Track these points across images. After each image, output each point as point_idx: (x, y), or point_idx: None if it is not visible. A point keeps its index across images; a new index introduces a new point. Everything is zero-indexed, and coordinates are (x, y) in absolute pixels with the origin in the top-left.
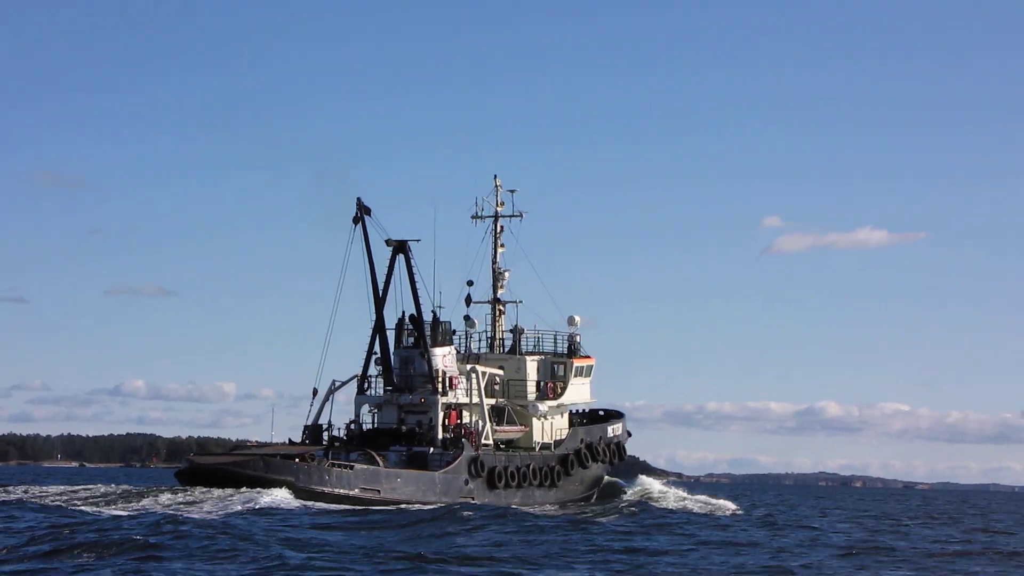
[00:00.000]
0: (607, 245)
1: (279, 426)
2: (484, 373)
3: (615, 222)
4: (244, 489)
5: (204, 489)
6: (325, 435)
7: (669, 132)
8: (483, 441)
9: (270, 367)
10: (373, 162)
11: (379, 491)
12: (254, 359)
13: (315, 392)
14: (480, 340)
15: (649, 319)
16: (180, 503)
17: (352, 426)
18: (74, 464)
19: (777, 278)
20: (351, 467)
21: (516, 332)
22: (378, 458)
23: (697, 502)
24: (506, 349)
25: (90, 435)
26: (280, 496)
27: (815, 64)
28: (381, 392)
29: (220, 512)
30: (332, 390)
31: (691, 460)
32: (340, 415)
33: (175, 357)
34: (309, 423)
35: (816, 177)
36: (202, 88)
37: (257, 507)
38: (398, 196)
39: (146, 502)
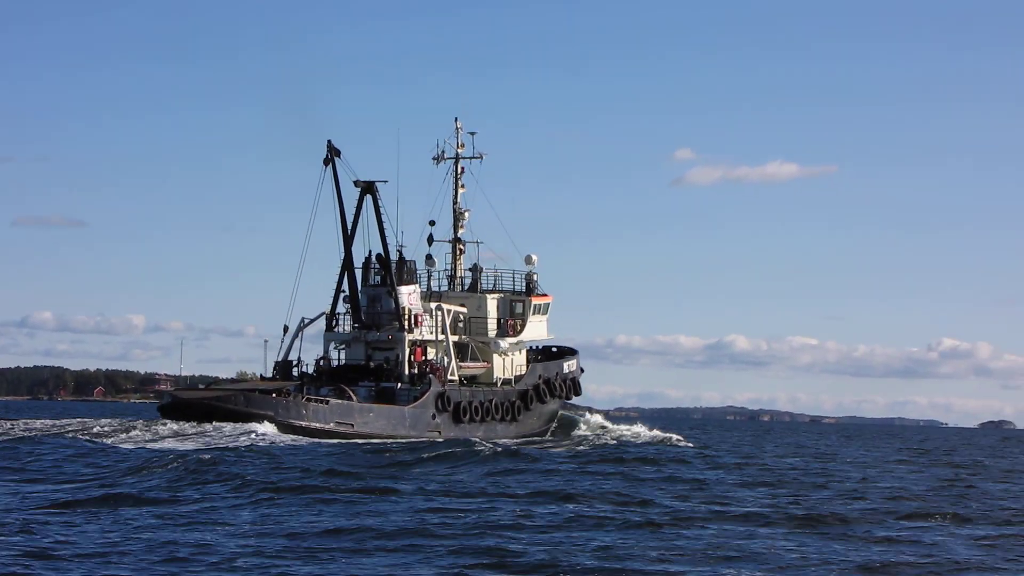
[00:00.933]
0: (546, 181)
1: (188, 359)
2: (449, 311)
3: (555, 159)
4: (230, 424)
5: (195, 423)
6: (295, 371)
7: (588, 63)
8: (449, 377)
9: (179, 300)
10: (332, 96)
11: (352, 425)
12: (164, 291)
13: (285, 329)
14: (440, 278)
15: (560, 251)
16: (189, 434)
17: (321, 362)
18: None
19: (688, 210)
20: (326, 402)
21: (476, 271)
22: (351, 393)
23: (652, 436)
24: (466, 287)
25: None
26: (270, 429)
27: None
28: (349, 329)
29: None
30: (301, 327)
31: (600, 394)
32: (307, 352)
33: (83, 289)
34: (279, 359)
35: (727, 109)
36: (135, 17)
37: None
38: (359, 134)
39: (163, 434)
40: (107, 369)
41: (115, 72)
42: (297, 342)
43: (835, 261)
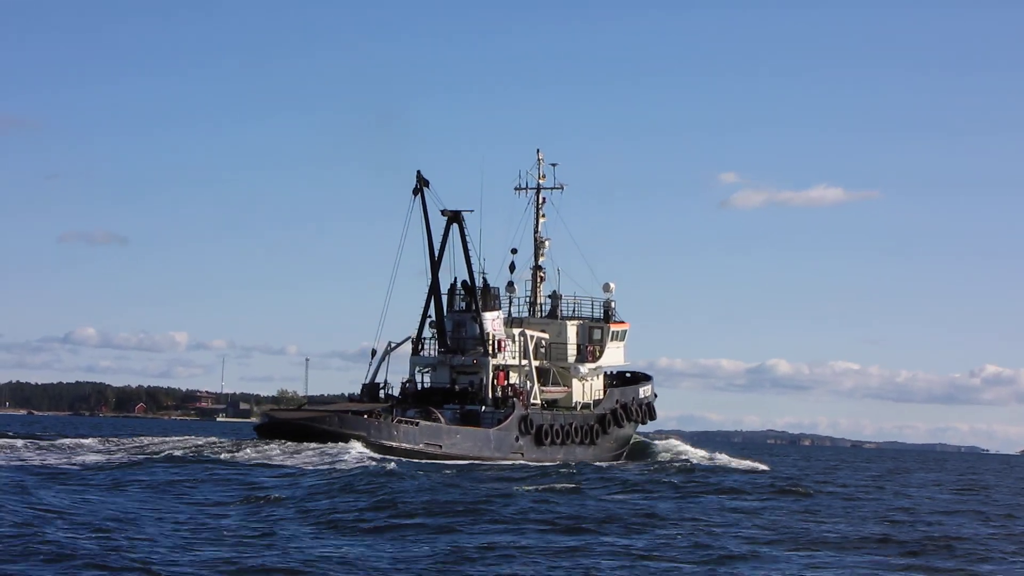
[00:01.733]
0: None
1: (229, 376)
2: (531, 337)
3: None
4: (328, 443)
5: (293, 443)
6: (381, 393)
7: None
8: (531, 400)
9: (222, 317)
10: (421, 122)
11: (440, 446)
12: (207, 308)
13: (373, 352)
14: (520, 305)
15: (603, 273)
16: (291, 454)
17: (407, 385)
18: (23, 412)
19: (731, 234)
20: (416, 423)
21: (555, 297)
22: (439, 415)
23: (731, 461)
24: (545, 314)
25: (39, 383)
26: (360, 448)
27: (774, 19)
28: (435, 353)
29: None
30: (388, 351)
31: None
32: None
33: (127, 305)
34: (367, 381)
35: (772, 133)
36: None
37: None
38: (443, 164)
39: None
40: (148, 386)
41: (166, 83)
42: (384, 365)
43: (878, 286)
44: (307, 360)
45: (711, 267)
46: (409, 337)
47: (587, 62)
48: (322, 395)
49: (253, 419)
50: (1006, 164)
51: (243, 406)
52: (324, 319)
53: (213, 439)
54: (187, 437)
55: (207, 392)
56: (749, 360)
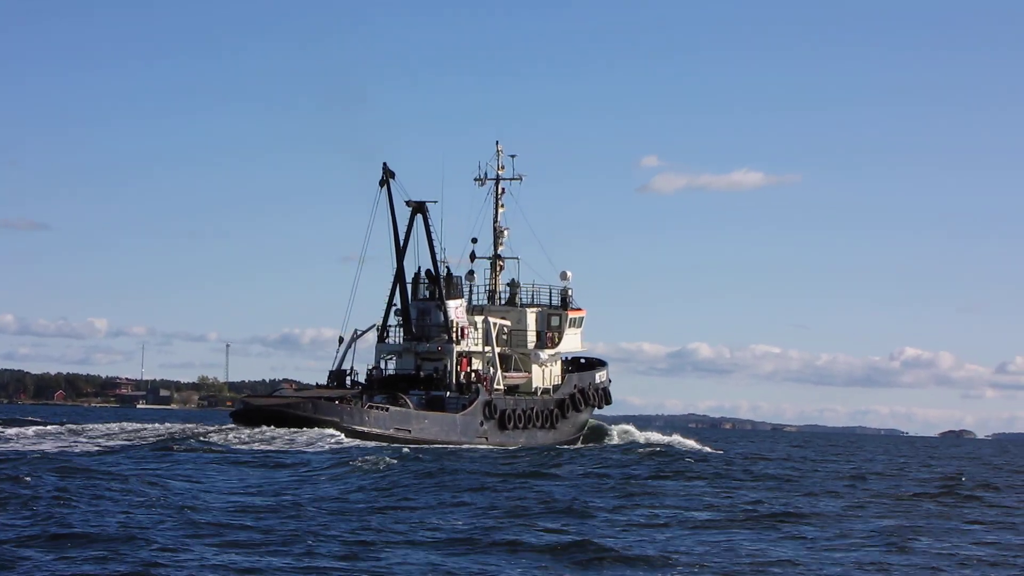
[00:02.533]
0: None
1: (149, 363)
2: (494, 324)
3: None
4: (304, 429)
5: (269, 428)
6: (348, 380)
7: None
8: (495, 386)
9: (142, 305)
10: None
11: (410, 431)
12: (127, 295)
13: (340, 339)
14: (479, 293)
15: (560, 260)
16: (285, 439)
17: (373, 372)
18: None
19: (652, 217)
20: (386, 409)
21: (513, 285)
22: (410, 401)
23: (681, 443)
24: (503, 301)
25: None
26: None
27: (694, 2)
28: (400, 341)
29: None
30: (354, 338)
31: None
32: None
33: (46, 292)
34: (334, 368)
35: (693, 117)
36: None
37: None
38: (407, 153)
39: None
40: (68, 373)
41: (94, 75)
42: (350, 352)
43: (799, 269)
44: (227, 346)
45: (631, 251)
46: (374, 325)
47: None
48: (243, 381)
49: (173, 406)
50: (927, 142)
51: (163, 392)
52: (244, 305)
53: (191, 425)
54: (150, 425)
55: (127, 379)
56: (670, 344)
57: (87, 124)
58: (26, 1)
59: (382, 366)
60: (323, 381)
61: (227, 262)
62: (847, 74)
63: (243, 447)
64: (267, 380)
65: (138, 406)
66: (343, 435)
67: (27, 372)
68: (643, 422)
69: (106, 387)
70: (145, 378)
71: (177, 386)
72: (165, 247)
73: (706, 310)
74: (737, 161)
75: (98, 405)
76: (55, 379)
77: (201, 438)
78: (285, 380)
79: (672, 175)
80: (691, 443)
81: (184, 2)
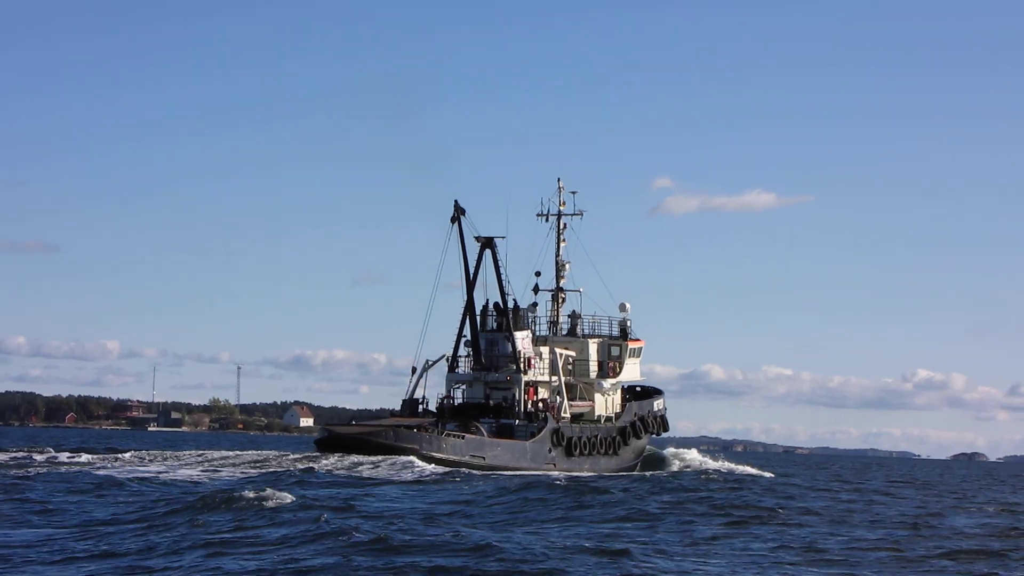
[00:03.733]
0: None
1: (160, 385)
2: (561, 354)
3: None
4: (384, 456)
5: (353, 456)
6: (420, 408)
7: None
8: (561, 414)
9: (154, 326)
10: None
11: (484, 457)
12: (139, 317)
13: (413, 370)
14: (539, 324)
15: (618, 292)
16: (364, 468)
17: (444, 401)
18: None
19: (664, 240)
20: (462, 437)
21: (574, 317)
22: (482, 429)
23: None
24: (564, 332)
25: None
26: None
27: (707, 23)
28: (469, 371)
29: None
30: (426, 368)
31: None
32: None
33: (58, 314)
34: (407, 397)
35: (705, 138)
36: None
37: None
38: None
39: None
40: (79, 395)
41: (106, 93)
42: (422, 381)
43: (811, 291)
44: (239, 368)
45: (643, 273)
46: (444, 355)
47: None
48: (254, 403)
49: (185, 428)
50: (939, 163)
51: (174, 415)
52: (256, 326)
53: (274, 452)
54: (236, 452)
55: (138, 401)
56: (683, 366)
57: (93, 143)
58: (31, 17)
59: (453, 395)
60: (389, 407)
61: (238, 282)
62: (859, 94)
63: (373, 475)
64: (279, 402)
65: (149, 428)
66: (425, 463)
67: (38, 394)
68: (655, 443)
69: (117, 409)
70: (156, 399)
71: (188, 408)
72: (175, 267)
73: (719, 332)
74: (749, 182)
75: (109, 428)
76: (66, 401)
77: (304, 465)
78: (296, 403)
79: (684, 197)
80: (749, 469)
81: (190, 16)
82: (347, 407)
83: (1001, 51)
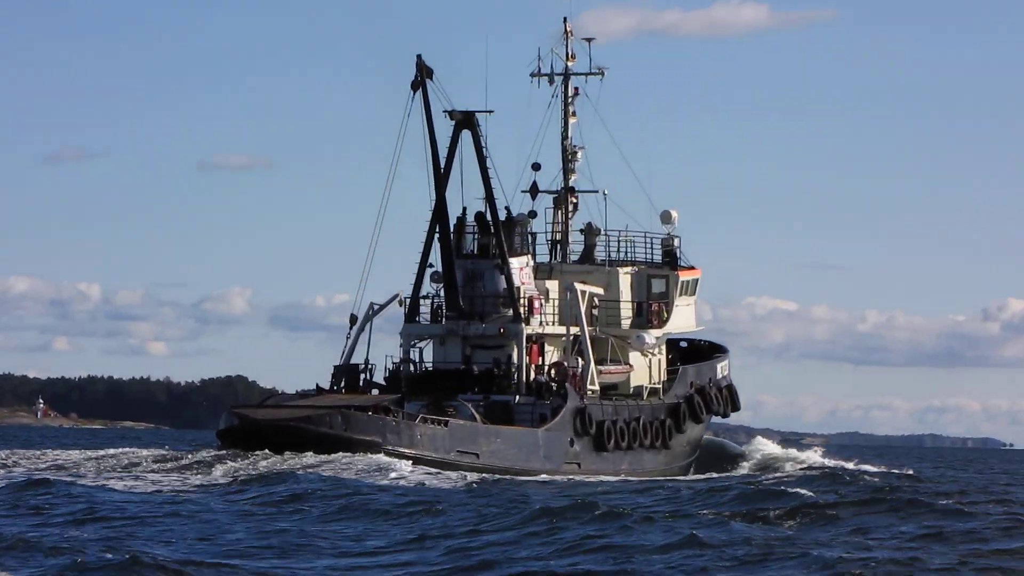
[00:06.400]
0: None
1: None
2: (583, 293)
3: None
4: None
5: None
6: (362, 379)
7: None
8: (588, 386)
9: None
10: None
11: (478, 455)
12: None
13: (353, 320)
14: (538, 244)
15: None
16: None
17: (400, 367)
18: None
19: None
20: (445, 424)
21: (591, 233)
22: (475, 411)
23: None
24: (575, 259)
25: None
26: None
27: None
28: (440, 319)
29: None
30: (369, 317)
31: None
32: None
33: None
34: (341, 362)
35: None
36: None
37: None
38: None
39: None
40: None
41: None
42: (364, 337)
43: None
44: None
45: (694, 160)
46: (397, 295)
47: None
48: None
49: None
50: None
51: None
52: None
53: (161, 451)
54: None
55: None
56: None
57: None
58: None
59: (413, 357)
60: (321, 382)
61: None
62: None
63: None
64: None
65: None
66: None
67: None
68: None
69: (269, 399)
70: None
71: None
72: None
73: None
74: None
75: None
76: None
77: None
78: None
79: None
80: (870, 467)
81: None
82: None
83: None
